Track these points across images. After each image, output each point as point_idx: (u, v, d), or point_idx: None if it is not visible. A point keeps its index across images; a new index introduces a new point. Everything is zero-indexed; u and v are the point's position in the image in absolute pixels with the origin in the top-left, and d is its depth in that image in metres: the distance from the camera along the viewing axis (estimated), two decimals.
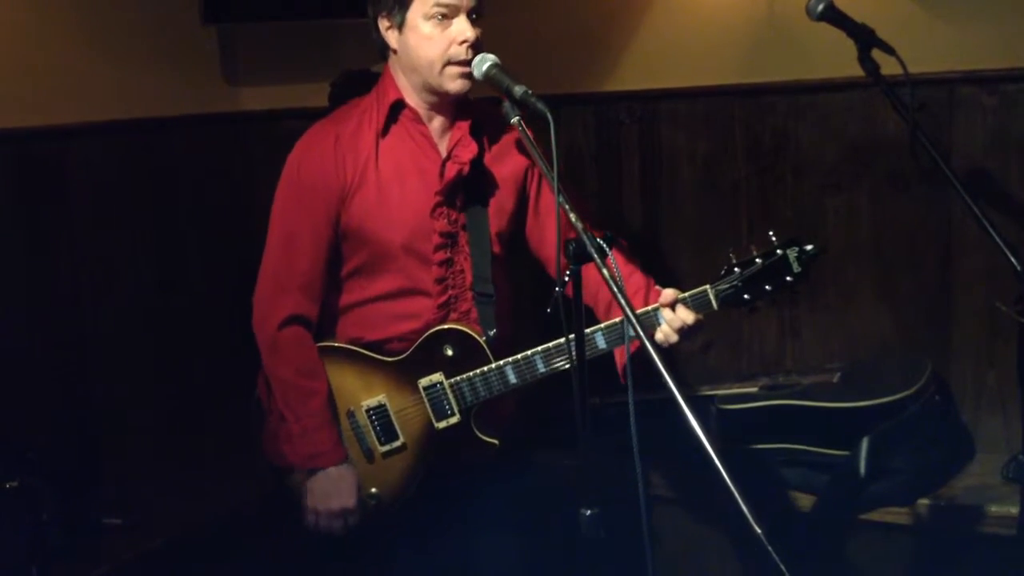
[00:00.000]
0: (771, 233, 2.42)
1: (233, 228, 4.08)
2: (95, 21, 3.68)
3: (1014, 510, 3.19)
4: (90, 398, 3.69)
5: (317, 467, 2.58)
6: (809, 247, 2.40)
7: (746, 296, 2.41)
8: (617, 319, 2.45)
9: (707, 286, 2.43)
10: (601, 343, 2.46)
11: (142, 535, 3.42)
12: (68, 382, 3.62)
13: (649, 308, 2.44)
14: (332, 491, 2.58)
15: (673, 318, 2.41)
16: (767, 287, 2.41)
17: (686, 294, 2.43)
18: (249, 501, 3.68)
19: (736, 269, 2.41)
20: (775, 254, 2.40)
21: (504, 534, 2.79)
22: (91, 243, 3.69)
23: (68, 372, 3.62)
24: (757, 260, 2.41)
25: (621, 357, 2.56)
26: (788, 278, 2.40)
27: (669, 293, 2.43)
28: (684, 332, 2.43)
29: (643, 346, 1.89)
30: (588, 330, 2.43)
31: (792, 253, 2.40)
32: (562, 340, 2.45)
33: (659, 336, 2.44)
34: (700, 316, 2.43)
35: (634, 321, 1.93)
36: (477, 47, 2.47)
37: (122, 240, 3.80)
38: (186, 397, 4.00)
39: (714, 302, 2.43)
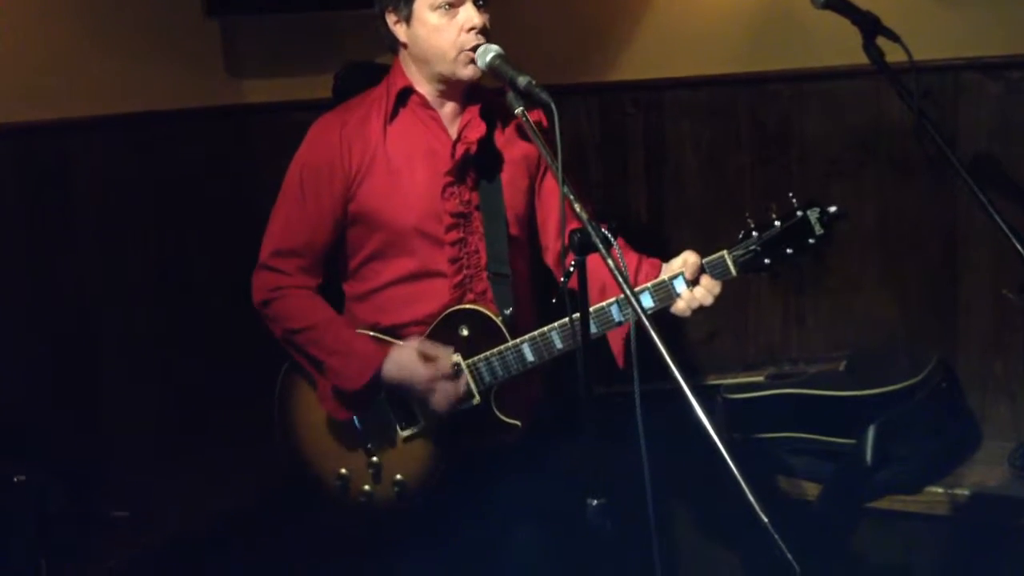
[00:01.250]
0: (791, 195, 2.38)
1: (237, 221, 4.07)
2: (97, 15, 3.68)
3: (1021, 497, 3.19)
4: (96, 391, 3.70)
5: (370, 377, 2.54)
6: (832, 208, 2.36)
7: (767, 261, 2.37)
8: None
9: (724, 252, 2.40)
10: (616, 316, 2.44)
11: (150, 528, 3.43)
12: (73, 376, 3.63)
13: (664, 278, 2.42)
14: (406, 375, 2.54)
15: (705, 294, 2.40)
16: (788, 250, 2.36)
17: (703, 261, 2.41)
18: (257, 493, 3.69)
19: (754, 233, 2.37)
20: (795, 216, 2.36)
21: (530, 520, 2.78)
22: (94, 237, 3.69)
23: (73, 367, 3.63)
24: (776, 223, 2.36)
25: (615, 343, 2.56)
26: (810, 240, 2.35)
27: (692, 262, 2.40)
28: (708, 301, 2.41)
29: (648, 336, 1.89)
30: (603, 303, 2.43)
31: (813, 215, 2.35)
32: (578, 315, 2.44)
33: (680, 304, 2.42)
34: (719, 284, 2.42)
35: (644, 320, 1.92)
36: (486, 33, 2.48)
37: (125, 234, 3.80)
38: (192, 389, 4.00)
39: (732, 268, 2.40)
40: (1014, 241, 2.62)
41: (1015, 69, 3.47)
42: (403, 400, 2.60)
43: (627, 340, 2.55)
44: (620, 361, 2.57)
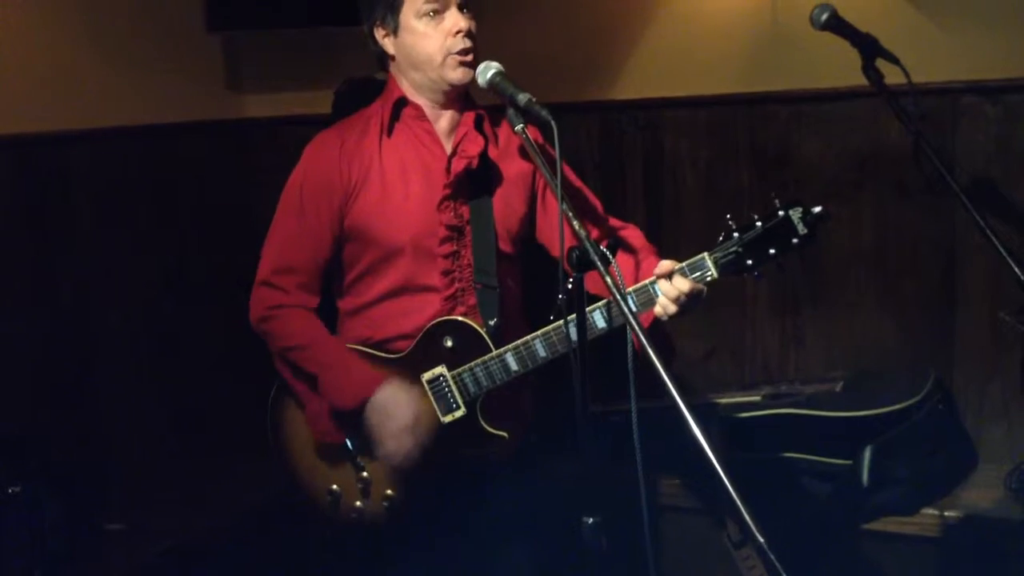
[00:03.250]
0: (773, 195, 2.36)
1: (237, 235, 4.08)
2: (99, 28, 3.69)
3: (1018, 519, 3.19)
4: (93, 404, 3.69)
5: (365, 399, 2.55)
6: (816, 208, 2.32)
7: (749, 262, 2.34)
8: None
9: (704, 253, 2.38)
10: (600, 322, 2.43)
11: (145, 541, 3.42)
12: (71, 388, 3.62)
13: (645, 282, 2.41)
14: (388, 412, 2.54)
15: (669, 288, 2.36)
16: (771, 251, 2.33)
17: (683, 263, 2.39)
18: (252, 506, 3.68)
19: (735, 234, 2.35)
20: (777, 216, 2.33)
21: (523, 535, 2.78)
22: (95, 250, 3.69)
23: (71, 378, 3.63)
24: (758, 224, 2.34)
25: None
26: (794, 240, 2.32)
27: (666, 264, 2.39)
28: (683, 302, 2.37)
29: (645, 351, 1.89)
30: (586, 309, 2.40)
31: (796, 214, 2.32)
32: (562, 323, 2.42)
33: (657, 309, 2.40)
34: (698, 285, 2.38)
35: (639, 331, 1.92)
36: (472, 36, 2.51)
37: (126, 247, 3.80)
38: (189, 402, 4.00)
39: (713, 269, 2.37)
40: (1011, 264, 2.62)
41: (1014, 92, 3.48)
42: (365, 434, 2.59)
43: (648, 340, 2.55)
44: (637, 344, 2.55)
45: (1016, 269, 2.61)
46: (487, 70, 2.42)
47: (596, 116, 4.13)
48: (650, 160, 4.06)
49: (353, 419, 2.58)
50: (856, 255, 3.75)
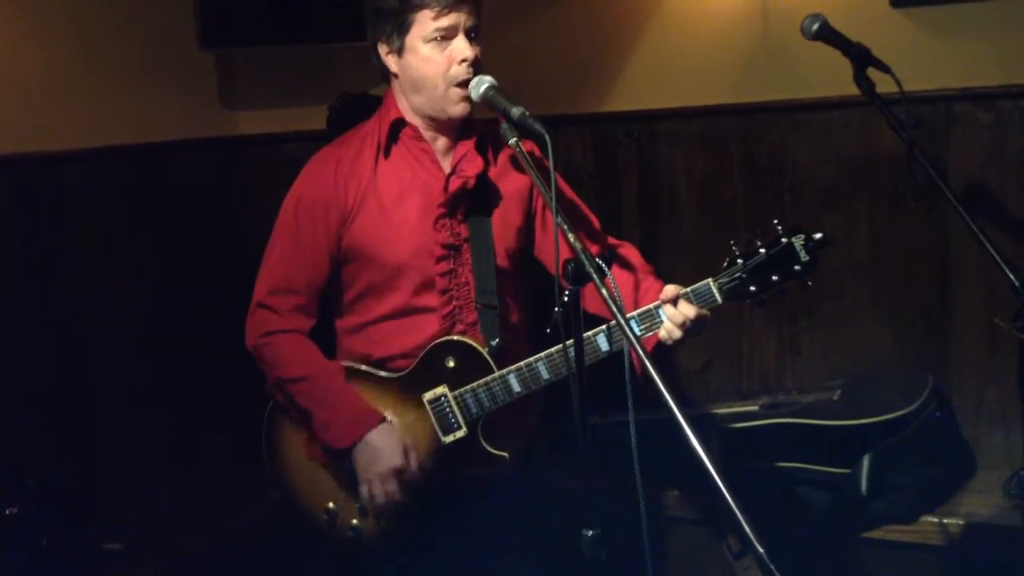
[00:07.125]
0: (775, 222, 2.38)
1: (231, 252, 4.08)
2: (92, 47, 3.70)
3: (1017, 526, 3.19)
4: (89, 424, 3.69)
5: (359, 439, 2.54)
6: (817, 235, 2.35)
7: (752, 288, 2.37)
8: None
9: (709, 279, 2.40)
10: (604, 345, 2.44)
11: (142, 561, 3.41)
12: (67, 408, 3.62)
13: (650, 306, 2.42)
14: (376, 455, 2.53)
15: (675, 314, 2.38)
16: (774, 277, 2.36)
17: (688, 289, 2.41)
18: (249, 526, 3.67)
19: (739, 260, 2.37)
20: (780, 243, 2.36)
21: (523, 551, 2.77)
22: (89, 268, 3.69)
23: (67, 398, 3.62)
24: (761, 250, 2.36)
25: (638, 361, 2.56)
26: (796, 267, 2.35)
27: (670, 289, 2.40)
28: (688, 328, 2.39)
29: (644, 363, 1.89)
30: (589, 332, 2.41)
31: (798, 241, 2.35)
32: (565, 344, 2.42)
33: (662, 333, 2.41)
34: (703, 311, 2.39)
35: (637, 346, 1.92)
36: (477, 65, 2.49)
37: (120, 265, 3.80)
38: (185, 422, 3.99)
39: (718, 295, 2.39)
40: (1006, 270, 2.63)
41: (1006, 99, 3.49)
42: (351, 470, 2.58)
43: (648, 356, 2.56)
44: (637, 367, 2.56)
45: (1011, 275, 2.62)
46: (480, 84, 2.42)
47: (590, 128, 4.14)
48: (645, 171, 4.07)
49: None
50: (851, 264, 3.76)
